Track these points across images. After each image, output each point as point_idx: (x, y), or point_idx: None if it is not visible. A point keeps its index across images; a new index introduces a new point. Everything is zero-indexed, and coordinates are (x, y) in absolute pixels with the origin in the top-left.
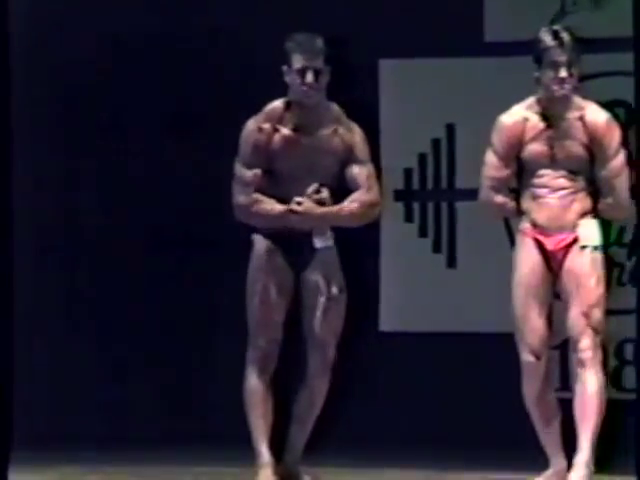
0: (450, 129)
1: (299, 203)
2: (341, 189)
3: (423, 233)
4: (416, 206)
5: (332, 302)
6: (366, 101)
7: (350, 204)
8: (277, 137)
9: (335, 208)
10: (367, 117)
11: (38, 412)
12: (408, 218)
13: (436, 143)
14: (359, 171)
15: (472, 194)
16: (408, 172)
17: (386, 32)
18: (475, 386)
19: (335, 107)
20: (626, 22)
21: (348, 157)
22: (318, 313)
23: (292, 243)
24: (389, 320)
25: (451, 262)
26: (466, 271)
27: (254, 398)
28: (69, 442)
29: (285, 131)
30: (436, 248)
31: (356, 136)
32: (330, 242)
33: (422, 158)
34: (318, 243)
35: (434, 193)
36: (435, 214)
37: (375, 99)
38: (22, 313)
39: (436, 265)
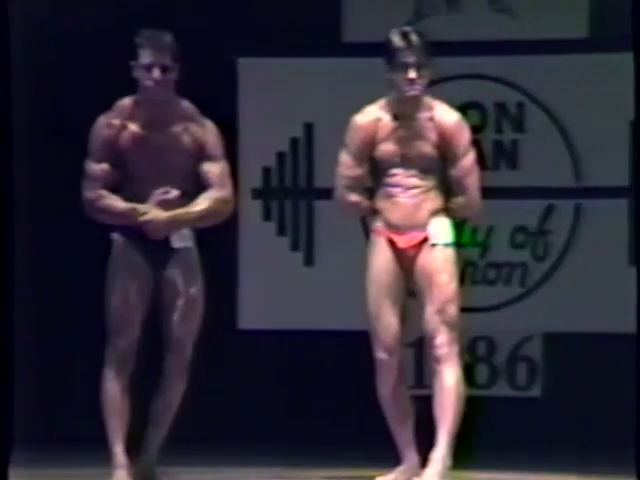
0: (308, 128)
1: (144, 213)
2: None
3: (281, 232)
4: (274, 205)
5: (191, 303)
6: (225, 99)
7: (199, 204)
8: (126, 133)
9: (182, 210)
10: (226, 115)
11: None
12: (266, 217)
13: (294, 142)
14: (211, 168)
15: (330, 193)
16: (266, 171)
17: (245, 31)
18: (333, 383)
19: (186, 104)
20: (482, 25)
21: (200, 155)
22: (176, 314)
23: (150, 242)
24: (247, 318)
25: (309, 260)
26: (324, 269)
27: (111, 399)
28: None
29: (134, 127)
30: (294, 246)
31: (209, 133)
32: (189, 242)
33: (280, 157)
34: (176, 243)
35: (292, 192)
36: (293, 213)
37: (234, 98)
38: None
39: (294, 263)
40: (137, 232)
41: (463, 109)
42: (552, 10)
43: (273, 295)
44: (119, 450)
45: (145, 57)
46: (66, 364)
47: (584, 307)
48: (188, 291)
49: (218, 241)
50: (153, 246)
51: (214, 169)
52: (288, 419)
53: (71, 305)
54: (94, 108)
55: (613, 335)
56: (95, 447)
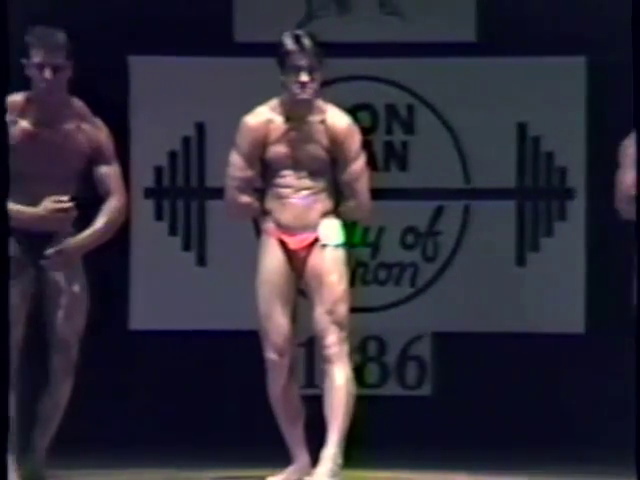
0: (200, 128)
1: (51, 254)
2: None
3: (173, 231)
4: (166, 204)
5: (74, 302)
6: (116, 98)
7: (100, 221)
8: (17, 130)
9: (87, 233)
10: (117, 114)
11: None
12: (158, 216)
13: (186, 141)
14: (107, 172)
15: (222, 193)
16: (158, 170)
17: (137, 29)
18: (224, 383)
19: (78, 103)
20: (372, 27)
21: (95, 155)
22: (60, 313)
23: (32, 240)
24: (139, 318)
25: (201, 260)
26: (216, 269)
27: None
28: None
29: (24, 124)
30: (186, 247)
31: (101, 134)
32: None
33: (172, 156)
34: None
35: (184, 191)
36: (185, 212)
37: (125, 96)
38: None
39: (186, 263)
40: (21, 231)
41: (354, 110)
42: (441, 14)
43: (165, 295)
44: None
45: (37, 56)
46: None
47: (473, 307)
48: (71, 289)
49: (109, 241)
50: (35, 244)
51: (110, 173)
52: (178, 420)
53: None
54: None
55: (501, 334)
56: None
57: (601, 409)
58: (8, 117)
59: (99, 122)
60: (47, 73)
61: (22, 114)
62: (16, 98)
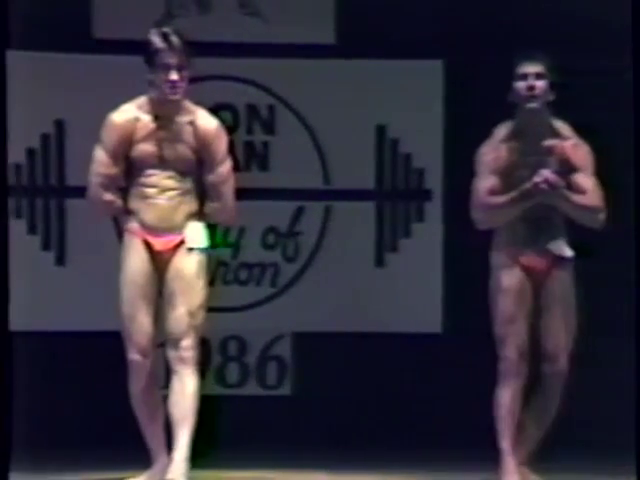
0: (59, 125)
1: None
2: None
3: (32, 230)
4: (25, 202)
5: None
6: None
7: None
8: None
9: None
10: None
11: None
12: (17, 214)
13: (45, 139)
14: None
15: (82, 191)
16: (17, 167)
17: None
18: (86, 384)
19: None
20: (232, 28)
21: None
22: None
23: None
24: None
25: (60, 260)
26: (76, 269)
27: None
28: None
29: None
30: (45, 246)
31: None
32: None
33: (31, 153)
34: None
35: (43, 189)
36: (44, 211)
37: None
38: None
39: (45, 263)
40: None
41: (215, 110)
42: (301, 16)
43: (24, 296)
44: None
45: None
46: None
47: (333, 307)
48: None
49: None
50: None
51: None
52: (44, 422)
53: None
54: None
55: (361, 334)
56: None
57: (459, 407)
58: None
59: None
60: None
61: None
62: None
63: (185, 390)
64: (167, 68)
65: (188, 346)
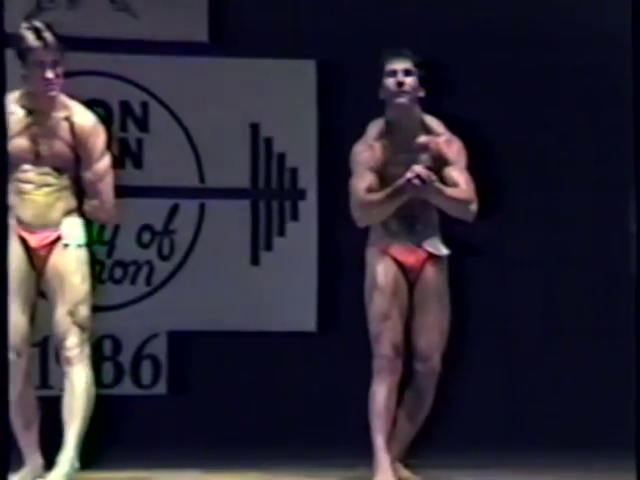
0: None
1: None
2: None
3: None
4: None
5: None
6: None
7: None
8: None
9: None
10: None
11: None
12: None
13: None
14: None
15: None
16: None
17: None
18: None
19: None
20: (104, 23)
21: None
22: None
23: None
24: None
25: None
26: None
27: None
28: None
29: None
30: None
31: None
32: None
33: None
34: None
35: None
36: None
37: None
38: None
39: None
40: None
41: (88, 106)
42: (173, 13)
43: None
44: None
45: None
46: None
47: (208, 306)
48: None
49: None
50: None
51: None
52: None
53: None
54: None
55: (236, 333)
56: None
57: (334, 404)
58: None
59: None
60: None
61: None
62: None
63: (74, 390)
64: (42, 66)
65: (72, 345)
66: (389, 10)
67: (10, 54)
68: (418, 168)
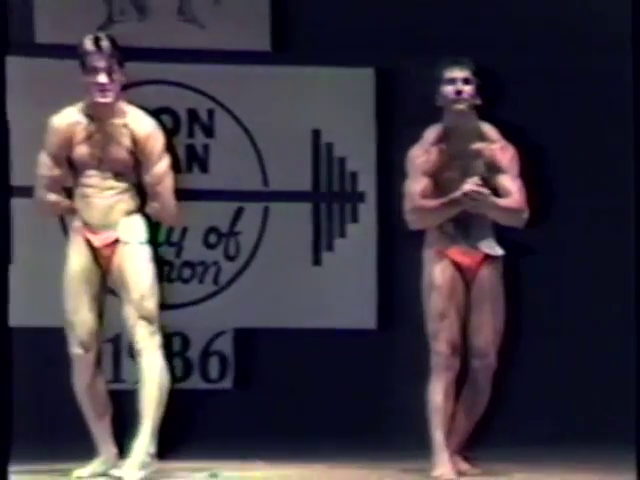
0: (4, 126)
1: None
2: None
3: None
4: None
5: None
6: None
7: None
8: None
9: None
10: None
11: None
12: None
13: None
14: None
15: (28, 191)
16: None
17: None
18: (31, 379)
19: None
20: (172, 34)
21: None
22: None
23: None
24: None
25: (7, 258)
26: (23, 267)
27: None
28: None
29: None
30: None
31: None
32: None
33: None
34: None
35: None
36: None
37: None
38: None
39: None
40: None
41: (156, 114)
42: (237, 23)
43: None
44: None
45: None
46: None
47: (272, 304)
48: None
49: None
50: None
51: None
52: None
53: None
54: None
55: (299, 330)
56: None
57: (393, 399)
58: None
59: None
60: None
61: None
62: None
63: (147, 379)
64: (96, 71)
65: (141, 337)
66: (444, 19)
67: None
68: (474, 184)
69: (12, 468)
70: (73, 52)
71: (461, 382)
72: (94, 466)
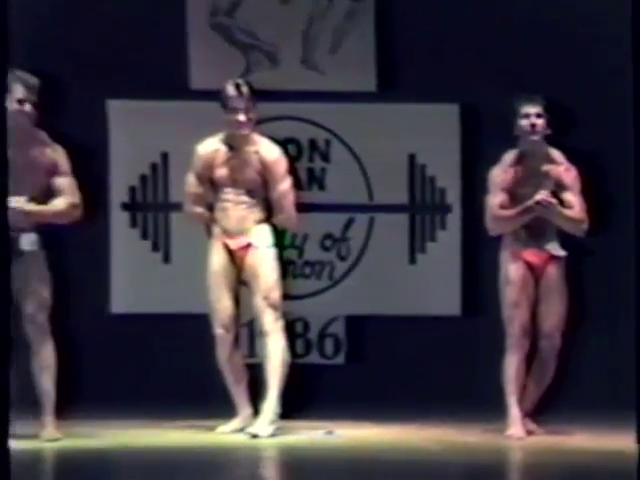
0: (165, 156)
1: (17, 201)
2: None
3: (144, 236)
4: (139, 215)
5: (37, 300)
6: (97, 132)
7: (54, 205)
8: None
9: (42, 207)
10: (98, 144)
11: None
12: (133, 224)
13: (154, 167)
14: (62, 181)
15: (182, 206)
16: (132, 189)
17: (113, 78)
18: (181, 356)
19: (41, 133)
20: (297, 79)
21: (53, 170)
22: (29, 303)
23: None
24: (118, 304)
25: (166, 259)
26: (178, 266)
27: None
28: None
29: None
30: (154, 248)
31: (59, 155)
32: (36, 246)
33: (143, 178)
34: (24, 245)
35: (153, 205)
36: (154, 221)
37: (105, 130)
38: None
39: (155, 261)
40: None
41: (284, 143)
42: (350, 70)
43: (139, 286)
44: None
45: (17, 93)
46: None
47: (376, 295)
48: (35, 288)
49: (95, 244)
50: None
51: (64, 182)
52: (154, 383)
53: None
54: None
55: (397, 317)
56: None
57: (475, 373)
58: None
59: (59, 147)
60: (27, 107)
61: None
62: None
63: (272, 355)
64: (236, 111)
65: (268, 321)
66: (521, 62)
67: (217, 105)
68: (544, 194)
69: (176, 424)
70: (217, 96)
71: (531, 359)
72: (234, 423)
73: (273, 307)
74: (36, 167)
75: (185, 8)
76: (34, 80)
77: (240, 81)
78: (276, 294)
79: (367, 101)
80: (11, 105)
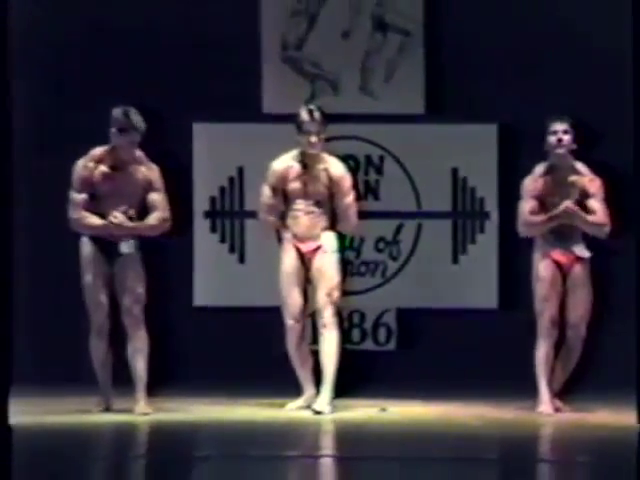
0: (241, 170)
1: (115, 217)
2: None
3: (223, 240)
4: (218, 222)
5: (133, 291)
6: (183, 150)
7: (150, 219)
8: (97, 172)
9: (138, 223)
10: (183, 160)
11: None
12: (213, 230)
13: (231, 180)
14: (156, 197)
15: (256, 215)
16: (213, 199)
17: (196, 104)
18: (265, 347)
19: (139, 153)
20: (355, 103)
21: (148, 187)
22: (127, 298)
23: (106, 246)
24: (201, 298)
25: (241, 259)
26: (251, 265)
27: (96, 355)
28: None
29: (103, 168)
30: (231, 250)
31: (154, 172)
32: (132, 249)
33: (222, 190)
34: (123, 249)
35: (230, 213)
36: (231, 227)
37: (190, 148)
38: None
39: (231, 262)
40: (99, 238)
41: (344, 159)
42: (402, 94)
43: (218, 283)
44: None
45: (120, 123)
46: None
47: (423, 291)
48: (132, 285)
49: (181, 247)
50: (108, 249)
51: (158, 198)
52: (234, 367)
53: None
54: None
55: (442, 309)
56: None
57: (509, 358)
58: (90, 164)
59: (153, 165)
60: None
61: (100, 161)
62: (98, 149)
63: (329, 344)
64: (309, 133)
65: (328, 315)
66: (547, 83)
67: (287, 127)
68: (569, 203)
69: (250, 401)
70: (287, 118)
71: (559, 346)
72: (300, 401)
73: (333, 304)
74: (134, 183)
75: (260, 43)
76: (138, 118)
77: (313, 107)
78: (337, 294)
79: (416, 122)
80: (113, 134)
